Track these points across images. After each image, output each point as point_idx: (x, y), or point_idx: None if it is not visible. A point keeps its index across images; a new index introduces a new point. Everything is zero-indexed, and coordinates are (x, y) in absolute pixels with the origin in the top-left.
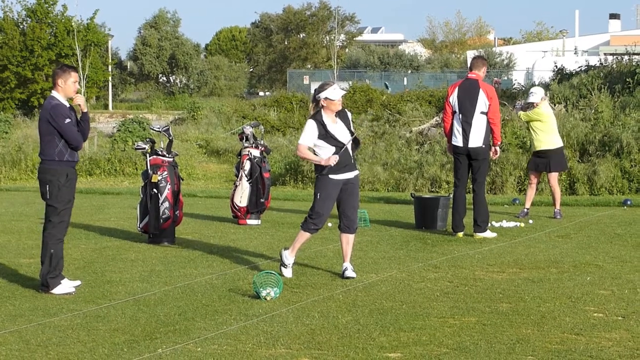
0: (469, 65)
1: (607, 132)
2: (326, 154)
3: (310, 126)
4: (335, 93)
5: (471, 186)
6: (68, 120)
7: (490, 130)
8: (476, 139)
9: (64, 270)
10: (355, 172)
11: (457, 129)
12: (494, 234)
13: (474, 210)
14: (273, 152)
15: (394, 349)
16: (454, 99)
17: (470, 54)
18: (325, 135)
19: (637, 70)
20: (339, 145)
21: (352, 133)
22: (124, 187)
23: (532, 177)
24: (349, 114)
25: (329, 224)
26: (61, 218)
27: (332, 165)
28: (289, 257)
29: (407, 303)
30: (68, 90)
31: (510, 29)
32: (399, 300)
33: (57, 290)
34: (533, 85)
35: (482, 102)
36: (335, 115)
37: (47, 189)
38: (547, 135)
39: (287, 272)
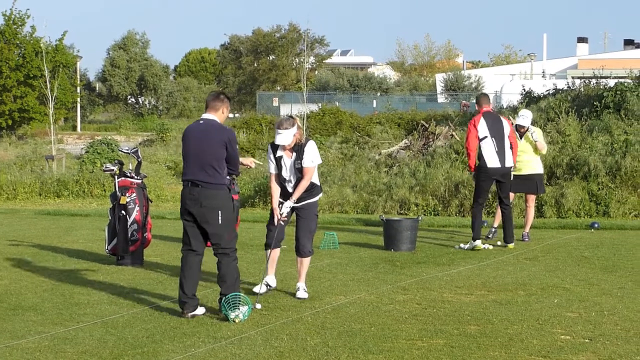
0: (439, 91)
1: (575, 155)
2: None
3: (267, 152)
4: (277, 139)
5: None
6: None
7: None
8: (509, 160)
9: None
10: (300, 203)
11: (491, 152)
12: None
13: (506, 222)
14: (242, 174)
15: None
16: (482, 126)
17: (439, 77)
18: (276, 163)
19: (604, 94)
20: (282, 177)
21: (299, 170)
22: (92, 208)
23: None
24: (308, 147)
25: (284, 246)
26: (235, 242)
27: (278, 217)
28: (265, 277)
29: (376, 325)
30: (223, 119)
31: (479, 53)
32: (367, 323)
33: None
34: (515, 107)
35: (507, 128)
36: (292, 150)
37: (220, 215)
38: (536, 158)
39: (257, 288)
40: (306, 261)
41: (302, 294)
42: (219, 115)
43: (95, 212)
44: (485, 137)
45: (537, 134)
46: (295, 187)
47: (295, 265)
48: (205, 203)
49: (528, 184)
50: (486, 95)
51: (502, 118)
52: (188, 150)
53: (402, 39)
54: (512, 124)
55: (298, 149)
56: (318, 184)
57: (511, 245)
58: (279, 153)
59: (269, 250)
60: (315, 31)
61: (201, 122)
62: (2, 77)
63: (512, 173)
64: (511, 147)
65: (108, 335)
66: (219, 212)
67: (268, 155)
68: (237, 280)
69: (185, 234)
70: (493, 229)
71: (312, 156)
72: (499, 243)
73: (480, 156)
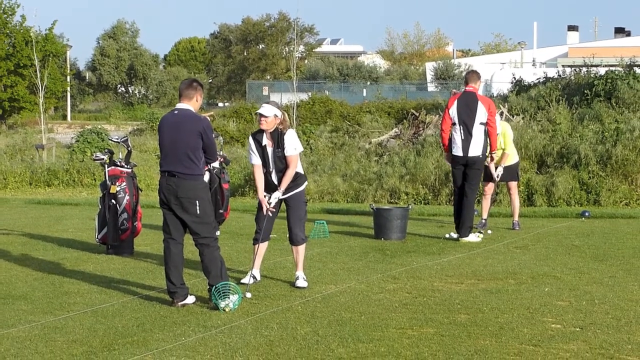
0: (429, 80)
1: (565, 143)
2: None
3: (249, 143)
4: (260, 109)
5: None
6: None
7: (487, 142)
8: (475, 149)
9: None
10: (287, 194)
11: (457, 139)
12: (478, 239)
13: (462, 214)
14: (232, 163)
15: None
16: (453, 110)
17: (429, 66)
18: (261, 153)
19: (595, 82)
20: (266, 167)
21: (280, 158)
22: (83, 198)
23: (486, 187)
24: (288, 135)
25: (274, 235)
26: (215, 231)
27: (267, 207)
28: (252, 269)
29: (366, 314)
30: (197, 107)
31: (469, 41)
32: (357, 312)
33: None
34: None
35: (482, 114)
36: (272, 138)
37: (197, 205)
38: (512, 149)
39: (245, 279)
40: (301, 249)
41: (301, 282)
42: (193, 103)
43: (85, 201)
44: (454, 123)
45: (500, 168)
46: (279, 177)
47: (285, 255)
48: (182, 194)
49: (509, 172)
50: (474, 73)
51: (480, 102)
52: (164, 141)
53: (392, 28)
54: (498, 110)
55: (277, 136)
56: (302, 172)
57: (464, 240)
58: (264, 141)
59: (257, 245)
60: (304, 20)
61: (176, 112)
62: None
63: (492, 164)
64: (487, 134)
65: (98, 324)
66: (197, 202)
67: (249, 147)
68: (222, 268)
69: (165, 223)
70: (483, 220)
71: (294, 144)
72: (489, 232)
73: (449, 142)
